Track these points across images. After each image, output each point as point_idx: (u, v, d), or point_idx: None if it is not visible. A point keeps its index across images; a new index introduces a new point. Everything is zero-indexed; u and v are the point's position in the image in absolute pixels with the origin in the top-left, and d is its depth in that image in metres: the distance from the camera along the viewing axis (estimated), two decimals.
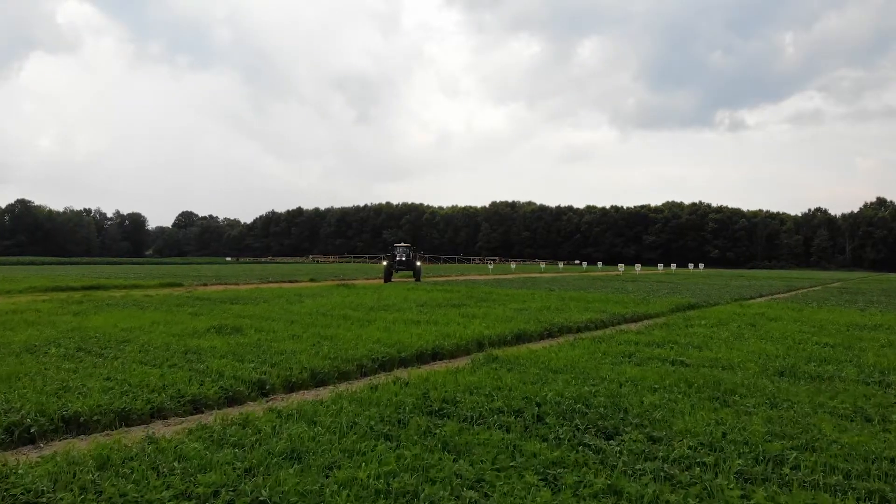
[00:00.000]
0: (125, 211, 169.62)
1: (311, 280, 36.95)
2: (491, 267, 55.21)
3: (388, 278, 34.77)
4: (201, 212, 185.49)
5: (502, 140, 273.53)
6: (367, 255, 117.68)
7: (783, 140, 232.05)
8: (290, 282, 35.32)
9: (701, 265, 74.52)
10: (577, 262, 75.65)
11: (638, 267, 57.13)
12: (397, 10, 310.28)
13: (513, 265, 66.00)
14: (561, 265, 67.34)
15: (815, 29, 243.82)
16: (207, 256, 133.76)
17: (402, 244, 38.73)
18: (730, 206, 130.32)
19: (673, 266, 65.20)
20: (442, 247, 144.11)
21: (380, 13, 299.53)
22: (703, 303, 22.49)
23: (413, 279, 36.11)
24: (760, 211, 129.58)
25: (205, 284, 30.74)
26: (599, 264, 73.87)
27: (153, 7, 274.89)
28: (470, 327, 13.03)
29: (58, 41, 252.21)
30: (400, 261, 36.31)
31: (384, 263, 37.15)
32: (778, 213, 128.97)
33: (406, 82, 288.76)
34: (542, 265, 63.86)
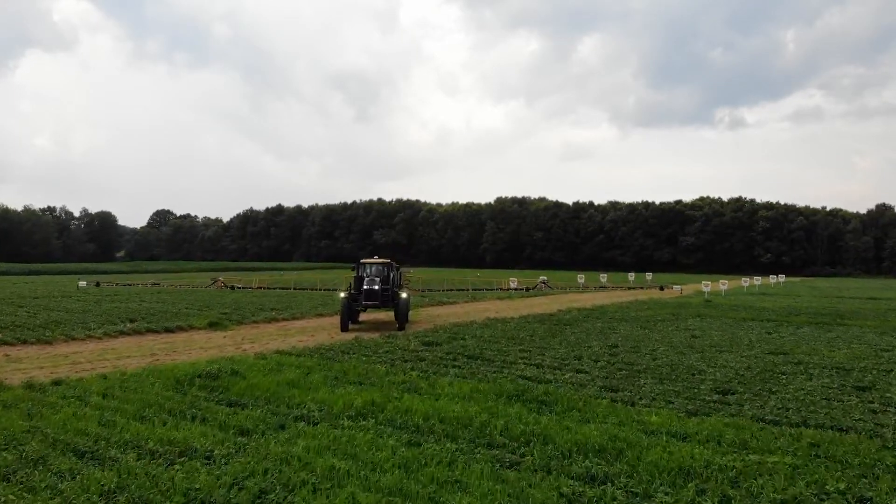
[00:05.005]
0: (94, 209, 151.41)
1: (210, 325, 20.47)
2: (512, 291, 38.79)
3: (347, 324, 18.84)
4: (198, 212, 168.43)
5: (502, 138, 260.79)
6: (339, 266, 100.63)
7: (783, 138, 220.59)
8: (166, 331, 18.99)
9: (782, 276, 57.64)
10: (637, 276, 53.69)
11: (724, 284, 40.50)
12: (396, 7, 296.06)
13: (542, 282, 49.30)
14: (604, 277, 50.54)
15: (817, 26, 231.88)
16: (178, 261, 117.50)
17: (377, 260, 22.13)
18: (783, 203, 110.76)
19: (757, 280, 48.79)
20: (441, 248, 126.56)
21: (378, 10, 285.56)
22: None
23: (394, 322, 20.33)
24: (809, 207, 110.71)
25: None
26: (649, 276, 56.93)
27: (151, 4, 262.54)
28: None
29: (54, 39, 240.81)
30: (370, 290, 19.82)
31: (342, 295, 20.52)
32: (839, 211, 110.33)
33: (405, 80, 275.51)
34: (581, 279, 47.06)
